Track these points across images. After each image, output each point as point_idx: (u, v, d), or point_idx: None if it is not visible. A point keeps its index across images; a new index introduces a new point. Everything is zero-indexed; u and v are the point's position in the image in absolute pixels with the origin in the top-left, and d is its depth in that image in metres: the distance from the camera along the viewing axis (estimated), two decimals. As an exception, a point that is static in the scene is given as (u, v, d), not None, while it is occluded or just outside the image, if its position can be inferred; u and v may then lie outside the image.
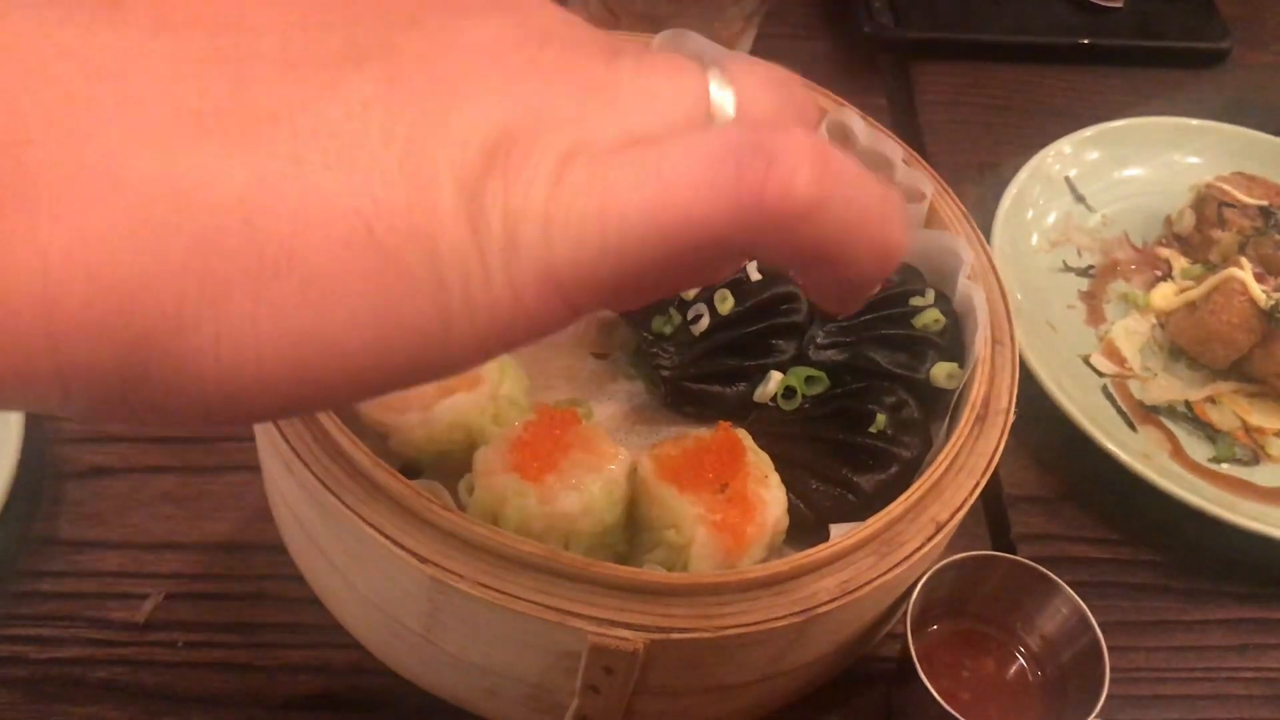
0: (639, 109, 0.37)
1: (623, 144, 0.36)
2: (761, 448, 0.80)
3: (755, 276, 0.86)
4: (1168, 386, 1.09)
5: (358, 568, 0.75)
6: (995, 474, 0.84)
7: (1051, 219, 1.21)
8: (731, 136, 0.36)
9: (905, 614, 0.79)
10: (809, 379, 0.84)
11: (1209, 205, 1.18)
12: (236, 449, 0.93)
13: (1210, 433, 1.07)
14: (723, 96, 0.39)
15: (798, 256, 0.38)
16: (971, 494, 0.77)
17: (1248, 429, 1.07)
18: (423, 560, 0.68)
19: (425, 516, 0.69)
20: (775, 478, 0.78)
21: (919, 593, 0.79)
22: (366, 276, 0.33)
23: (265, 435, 0.77)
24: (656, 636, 0.67)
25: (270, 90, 0.33)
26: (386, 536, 0.69)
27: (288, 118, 0.33)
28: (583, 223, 0.34)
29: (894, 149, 0.94)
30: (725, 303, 0.85)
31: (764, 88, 0.40)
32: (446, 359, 0.36)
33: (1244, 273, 1.06)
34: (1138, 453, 0.99)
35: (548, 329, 0.37)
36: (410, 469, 0.80)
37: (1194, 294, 1.09)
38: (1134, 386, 1.09)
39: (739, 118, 0.39)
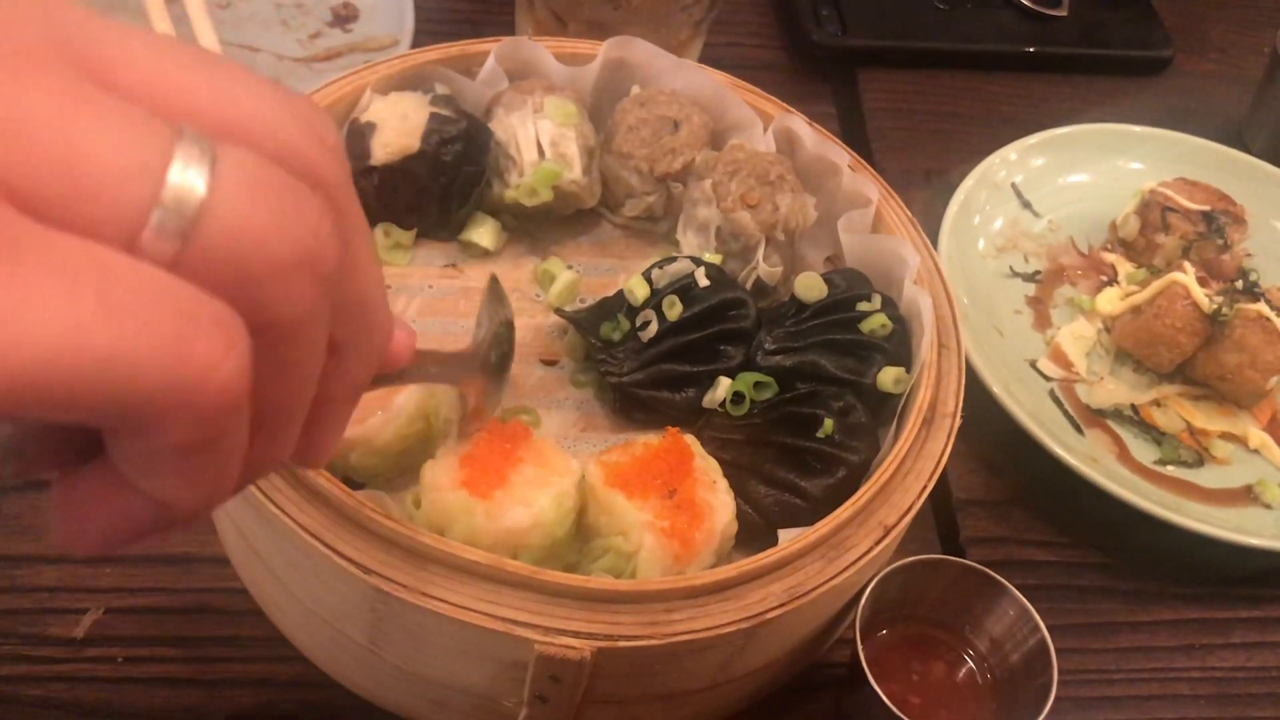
0: (49, 172, 0.28)
1: None
2: (710, 453, 0.80)
3: (704, 282, 0.86)
4: (1114, 390, 1.10)
5: (300, 579, 0.74)
6: (943, 478, 0.84)
7: (998, 225, 1.22)
8: (143, 291, 0.28)
9: (855, 619, 0.79)
10: (757, 384, 0.84)
11: (1152, 210, 1.19)
12: (178, 460, 0.91)
13: (1156, 435, 1.08)
14: (185, 187, 0.29)
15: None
16: (919, 497, 0.77)
17: (1192, 431, 1.08)
18: (365, 570, 0.67)
19: (367, 525, 0.68)
20: (723, 483, 0.78)
21: (868, 597, 0.79)
22: None
23: (206, 445, 0.76)
24: (604, 644, 0.67)
25: None
26: (328, 546, 0.68)
27: None
28: None
29: (840, 155, 0.94)
30: (673, 309, 0.85)
31: (255, 176, 0.31)
32: None
33: (1187, 277, 1.08)
34: (1085, 456, 1.00)
35: None
36: (356, 482, 0.79)
37: (1139, 298, 1.10)
38: (1081, 390, 1.10)
39: (194, 235, 0.29)
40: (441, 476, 0.74)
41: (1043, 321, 1.15)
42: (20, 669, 0.81)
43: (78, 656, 0.83)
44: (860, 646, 0.78)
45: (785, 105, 0.98)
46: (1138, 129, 1.31)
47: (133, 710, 0.81)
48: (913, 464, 0.79)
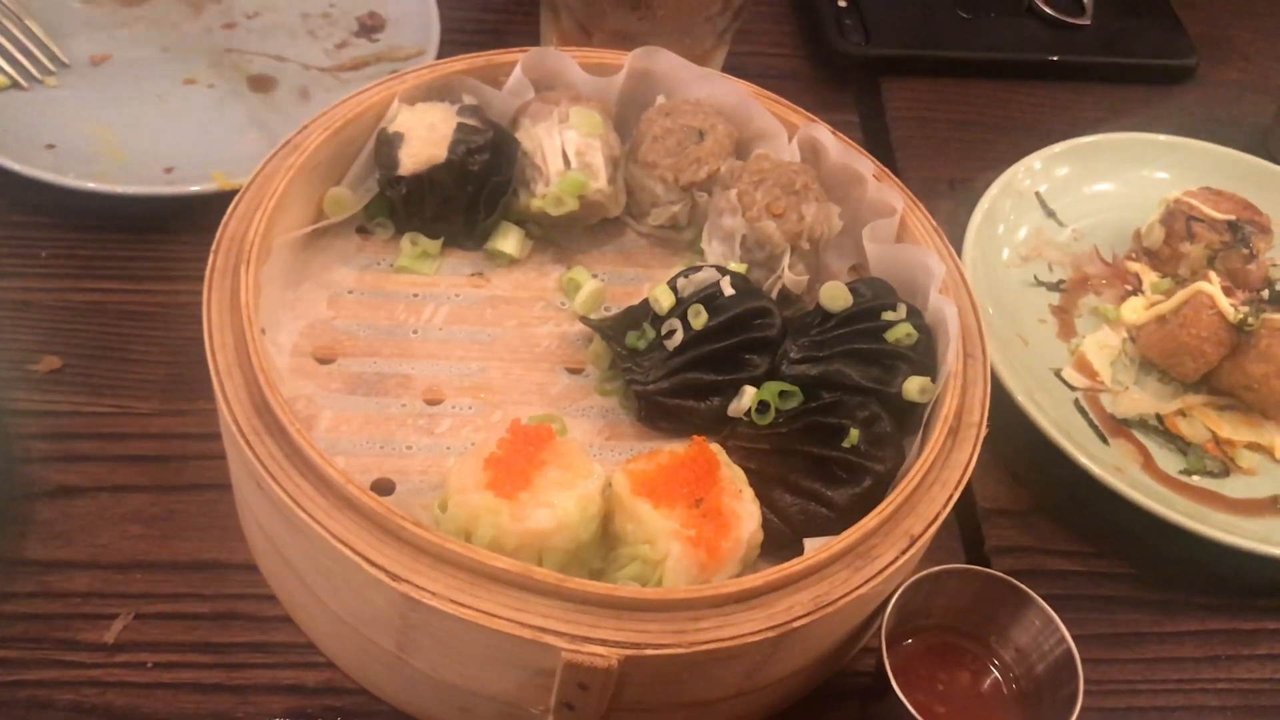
0: None
1: None
2: (735, 462, 0.80)
3: (729, 291, 0.86)
4: (1139, 400, 1.10)
5: (329, 586, 0.75)
6: (969, 487, 0.84)
7: (1022, 234, 1.21)
8: None
9: (880, 628, 0.79)
10: (782, 393, 0.84)
11: (1178, 220, 1.19)
12: (207, 467, 0.92)
13: (1181, 445, 1.07)
14: None
15: None
16: (945, 507, 0.77)
17: (1218, 441, 1.08)
18: (395, 577, 0.68)
19: (397, 533, 0.69)
20: (749, 492, 0.78)
21: (893, 606, 0.79)
22: None
23: (236, 452, 0.76)
24: (631, 653, 0.67)
25: None
26: (358, 553, 0.68)
27: None
28: None
29: (865, 164, 0.94)
30: (699, 317, 0.85)
31: None
32: None
33: (1213, 286, 1.07)
34: (1110, 465, 1.00)
35: None
36: (383, 487, 0.80)
37: (1164, 308, 1.10)
38: (1105, 400, 1.10)
39: None
40: (467, 478, 0.74)
41: (1067, 331, 1.15)
42: (51, 674, 0.82)
43: (108, 662, 0.83)
44: (885, 655, 0.77)
45: (809, 114, 0.98)
46: (1162, 138, 1.30)
47: (162, 715, 0.82)
48: (938, 473, 0.79)
